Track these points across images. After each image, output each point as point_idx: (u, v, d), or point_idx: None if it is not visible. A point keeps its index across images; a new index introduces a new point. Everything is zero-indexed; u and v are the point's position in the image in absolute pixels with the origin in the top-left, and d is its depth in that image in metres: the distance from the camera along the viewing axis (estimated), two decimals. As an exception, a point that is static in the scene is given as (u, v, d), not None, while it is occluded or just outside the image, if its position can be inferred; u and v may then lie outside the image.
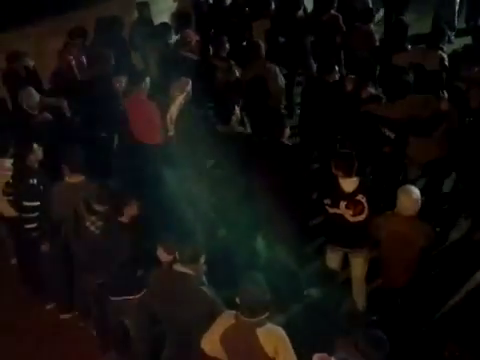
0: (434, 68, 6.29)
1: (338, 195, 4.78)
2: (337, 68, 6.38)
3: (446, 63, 6.63)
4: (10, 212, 5.44)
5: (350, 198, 4.73)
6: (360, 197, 4.71)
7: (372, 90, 6.20)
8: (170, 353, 4.26)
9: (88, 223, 4.60)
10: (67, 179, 5.07)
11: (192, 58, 7.16)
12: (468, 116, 5.88)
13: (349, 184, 4.75)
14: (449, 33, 9.33)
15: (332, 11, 7.95)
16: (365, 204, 4.70)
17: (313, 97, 6.52)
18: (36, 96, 6.23)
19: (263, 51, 6.91)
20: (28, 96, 6.17)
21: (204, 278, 4.12)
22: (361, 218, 4.74)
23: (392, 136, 5.90)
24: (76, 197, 4.73)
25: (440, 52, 6.77)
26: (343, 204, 4.76)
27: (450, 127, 5.61)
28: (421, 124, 5.64)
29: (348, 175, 4.74)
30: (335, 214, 4.84)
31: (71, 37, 7.41)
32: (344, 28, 7.86)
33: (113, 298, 4.61)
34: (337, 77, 6.37)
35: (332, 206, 4.83)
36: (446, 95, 5.86)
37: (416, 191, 4.54)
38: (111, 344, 5.13)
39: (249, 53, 6.96)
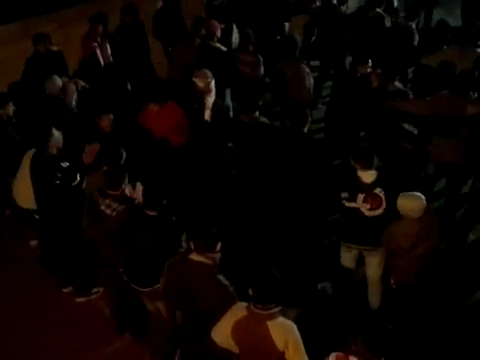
0: (467, 67, 6.08)
1: (356, 188, 4.74)
2: (370, 62, 6.33)
3: None
4: (27, 204, 5.54)
5: (368, 191, 4.70)
6: (378, 191, 4.68)
7: (399, 85, 6.15)
8: (186, 343, 4.29)
9: (103, 207, 4.60)
10: None
11: (220, 49, 7.11)
12: None
13: (368, 176, 4.71)
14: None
15: (378, 9, 7.84)
16: (383, 198, 4.67)
17: (341, 91, 6.50)
18: (59, 82, 6.28)
19: (298, 47, 6.89)
20: (51, 84, 6.24)
21: None
22: (378, 213, 4.71)
23: (415, 132, 5.83)
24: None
25: (479, 50, 6.62)
26: (361, 197, 4.72)
27: (474, 130, 5.49)
28: (445, 123, 5.57)
29: (367, 167, 4.71)
30: (351, 209, 4.80)
31: (92, 22, 7.47)
32: (387, 26, 7.78)
33: (140, 289, 4.59)
34: (369, 70, 6.32)
35: (349, 199, 4.79)
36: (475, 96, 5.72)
37: (419, 194, 4.58)
38: (127, 328, 5.19)
39: (284, 47, 6.91)
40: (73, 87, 6.38)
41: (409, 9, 7.87)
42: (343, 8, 8.08)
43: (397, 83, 6.15)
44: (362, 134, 6.71)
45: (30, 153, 5.47)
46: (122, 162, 5.02)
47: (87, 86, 6.60)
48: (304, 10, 8.20)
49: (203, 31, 7.25)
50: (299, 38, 7.07)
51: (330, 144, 6.69)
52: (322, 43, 7.71)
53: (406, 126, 5.84)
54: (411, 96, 6.03)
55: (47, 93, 6.26)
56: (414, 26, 7.60)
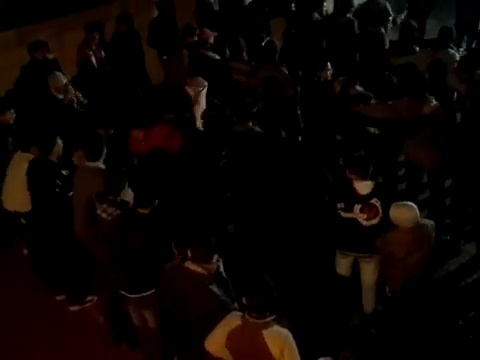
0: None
1: (352, 198, 4.76)
2: (330, 66, 6.36)
3: (452, 63, 6.50)
4: (16, 207, 5.56)
5: (364, 201, 4.72)
6: (374, 201, 4.70)
7: (360, 89, 6.20)
8: (182, 349, 4.30)
9: (99, 211, 4.69)
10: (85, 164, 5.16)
11: (213, 58, 7.11)
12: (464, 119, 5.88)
13: (364, 187, 4.74)
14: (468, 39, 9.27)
15: (348, 15, 7.89)
16: (379, 208, 4.69)
17: (308, 97, 6.55)
18: (63, 79, 6.32)
19: (277, 52, 6.90)
20: (55, 79, 6.26)
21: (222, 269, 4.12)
22: (375, 222, 4.73)
23: (376, 132, 5.93)
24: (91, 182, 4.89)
25: (452, 51, 6.72)
26: (357, 208, 4.73)
27: (438, 130, 5.59)
28: (406, 126, 5.67)
29: (363, 178, 4.73)
30: (348, 219, 4.82)
31: (87, 31, 7.50)
32: (357, 32, 7.81)
33: (128, 295, 4.59)
34: (329, 74, 6.37)
35: (346, 210, 4.81)
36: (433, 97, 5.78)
37: (411, 203, 4.61)
38: (123, 336, 5.17)
39: (264, 53, 6.94)
40: (73, 90, 6.41)
41: (379, 14, 7.92)
42: (316, 16, 8.09)
43: (358, 87, 6.20)
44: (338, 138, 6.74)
45: (18, 156, 5.50)
46: (103, 157, 5.12)
47: (85, 102, 6.58)
48: (281, 13, 8.23)
49: (191, 38, 7.29)
50: (278, 43, 7.09)
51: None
52: (298, 49, 7.74)
53: (371, 129, 5.93)
54: (373, 100, 6.07)
55: (50, 91, 6.29)
56: (383, 31, 7.63)
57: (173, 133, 5.92)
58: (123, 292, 4.59)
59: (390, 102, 5.92)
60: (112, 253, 4.57)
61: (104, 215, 4.68)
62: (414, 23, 7.42)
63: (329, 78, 6.38)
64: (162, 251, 4.32)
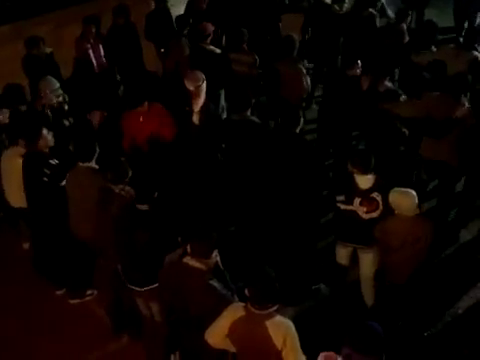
0: (461, 70, 6.00)
1: (353, 192, 4.76)
2: (360, 63, 6.34)
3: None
4: (19, 203, 5.56)
5: (365, 195, 4.72)
6: (375, 195, 4.70)
7: (389, 84, 6.13)
8: (184, 343, 4.31)
9: (117, 190, 4.78)
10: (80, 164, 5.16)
11: (214, 51, 7.05)
12: None
13: (365, 181, 4.73)
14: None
15: (371, 9, 7.83)
16: (380, 201, 4.69)
17: (332, 92, 6.52)
18: (56, 83, 6.24)
19: (296, 48, 6.85)
20: (48, 84, 6.19)
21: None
22: (374, 215, 4.73)
23: (406, 133, 5.86)
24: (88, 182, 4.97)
25: (475, 53, 6.63)
26: (357, 201, 4.74)
27: (464, 133, 5.51)
28: (434, 125, 5.58)
29: (364, 172, 4.73)
30: (347, 211, 4.82)
31: (84, 24, 7.44)
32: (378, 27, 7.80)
33: (137, 289, 4.61)
34: (358, 72, 6.33)
35: (346, 203, 4.81)
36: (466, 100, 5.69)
37: (412, 191, 4.57)
38: (123, 328, 5.20)
39: (283, 48, 6.88)
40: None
41: (400, 10, 7.88)
42: (337, 7, 8.08)
43: (387, 83, 6.15)
44: (355, 134, 6.73)
45: (9, 151, 5.52)
46: (95, 158, 5.14)
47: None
48: (296, 9, 8.18)
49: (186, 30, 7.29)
50: (297, 38, 7.04)
51: (323, 144, 6.71)
52: (315, 43, 7.69)
53: (403, 129, 5.87)
54: (403, 96, 6.02)
55: (40, 94, 6.19)
56: (405, 27, 7.59)
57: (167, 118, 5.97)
58: (132, 286, 4.60)
59: (419, 100, 5.80)
60: (120, 240, 4.55)
61: (123, 193, 4.78)
62: (436, 23, 7.33)
63: (357, 74, 6.31)
64: (168, 244, 4.32)
